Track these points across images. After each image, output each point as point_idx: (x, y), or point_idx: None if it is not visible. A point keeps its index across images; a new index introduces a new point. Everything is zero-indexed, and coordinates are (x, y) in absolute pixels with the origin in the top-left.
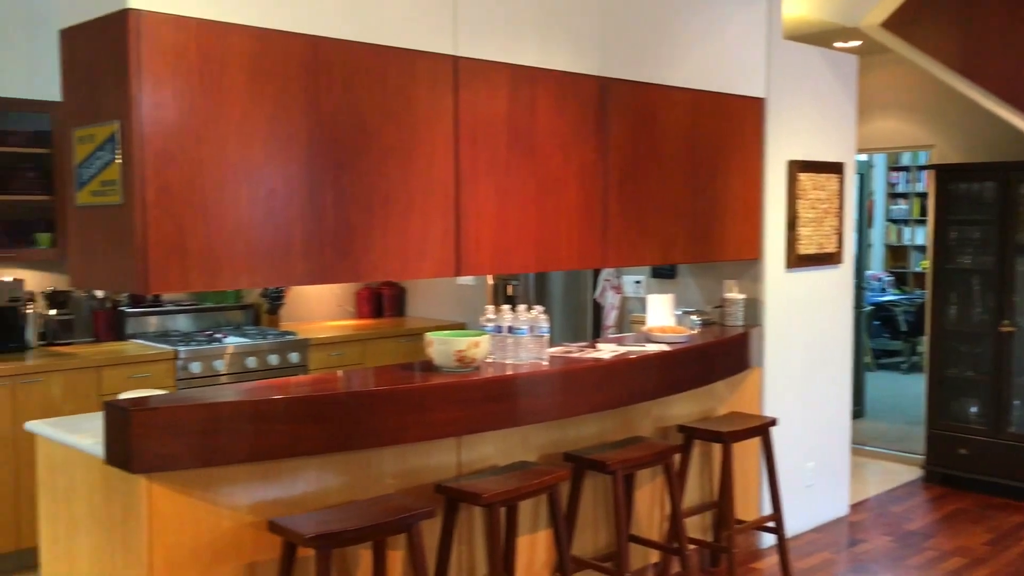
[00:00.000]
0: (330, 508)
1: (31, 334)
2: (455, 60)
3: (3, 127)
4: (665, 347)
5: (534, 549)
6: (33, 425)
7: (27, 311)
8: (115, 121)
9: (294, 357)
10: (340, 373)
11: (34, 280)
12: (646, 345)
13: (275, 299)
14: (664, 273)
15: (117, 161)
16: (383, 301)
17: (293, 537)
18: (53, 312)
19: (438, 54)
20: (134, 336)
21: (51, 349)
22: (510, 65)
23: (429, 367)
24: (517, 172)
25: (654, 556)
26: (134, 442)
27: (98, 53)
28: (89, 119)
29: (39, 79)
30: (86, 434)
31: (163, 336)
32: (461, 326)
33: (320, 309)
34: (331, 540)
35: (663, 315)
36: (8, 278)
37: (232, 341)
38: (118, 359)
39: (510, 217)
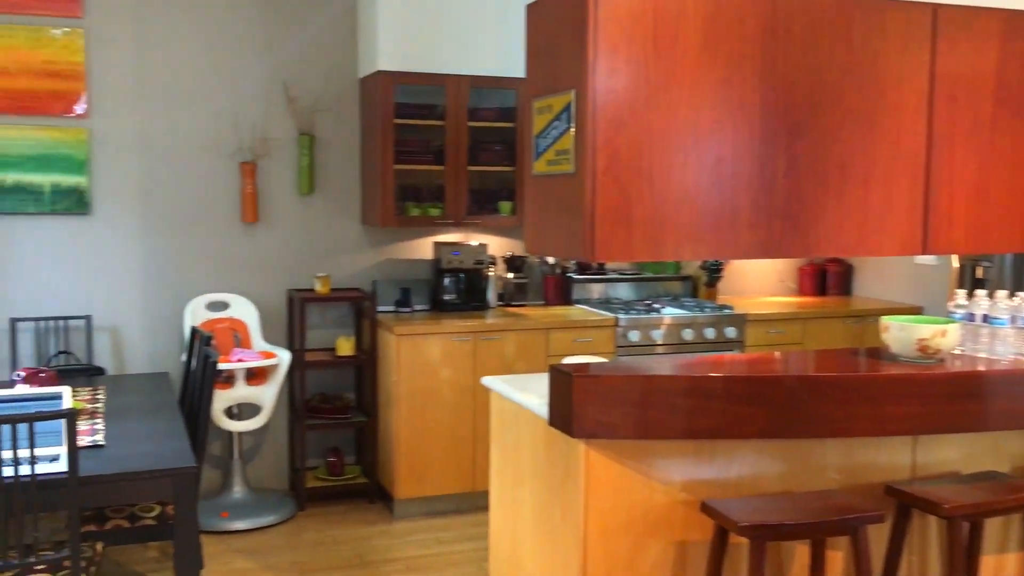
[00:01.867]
0: (766, 496)
1: (491, 295)
2: (934, 8)
3: (475, 104)
4: None
5: (1001, 573)
6: (488, 380)
7: (489, 273)
8: (571, 91)
9: (730, 332)
10: (779, 354)
11: (495, 245)
12: None
13: (714, 272)
14: None
15: (571, 130)
16: (827, 278)
17: (726, 523)
18: (510, 275)
19: (913, 2)
20: (578, 302)
21: (507, 309)
22: (1003, 10)
23: (882, 354)
24: (1006, 135)
25: None
26: (575, 407)
27: (558, 25)
28: (548, 90)
29: (508, 57)
30: (533, 394)
31: (605, 303)
32: (917, 310)
33: (759, 284)
34: (768, 532)
35: None
36: (474, 242)
37: (670, 312)
38: (564, 323)
39: (993, 187)
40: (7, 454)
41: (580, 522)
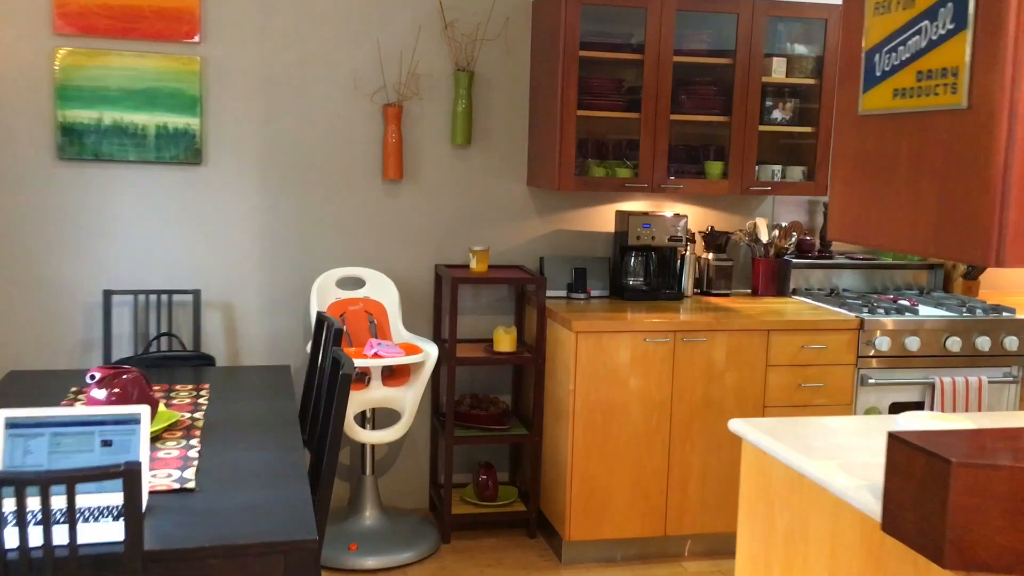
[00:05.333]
0: None
1: (687, 280)
2: None
3: (682, 33)
4: None
5: None
6: (740, 427)
7: (685, 253)
8: None
9: (1010, 343)
10: None
11: (694, 217)
12: None
13: None
14: None
15: (965, 33)
16: None
17: None
18: (710, 256)
19: None
20: (795, 292)
21: (706, 300)
22: None
23: None
24: None
25: None
26: (955, 519)
27: None
28: None
29: None
30: (824, 456)
31: (830, 295)
32: None
33: (1019, 277)
34: None
35: None
36: (669, 213)
37: (928, 313)
38: (789, 323)
39: None
40: (37, 504)
41: None
